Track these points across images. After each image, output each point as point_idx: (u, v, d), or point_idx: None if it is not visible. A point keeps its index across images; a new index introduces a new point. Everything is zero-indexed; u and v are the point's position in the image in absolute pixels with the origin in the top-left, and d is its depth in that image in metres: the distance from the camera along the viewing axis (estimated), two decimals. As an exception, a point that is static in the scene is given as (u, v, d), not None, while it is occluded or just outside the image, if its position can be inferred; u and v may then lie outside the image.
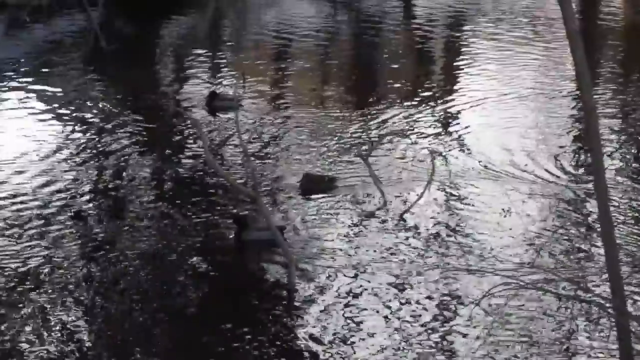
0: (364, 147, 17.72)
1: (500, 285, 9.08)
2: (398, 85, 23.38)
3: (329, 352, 11.39)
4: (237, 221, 14.48)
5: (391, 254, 13.88)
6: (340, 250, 14.05)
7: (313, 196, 15.97)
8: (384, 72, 25.45)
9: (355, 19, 32.75)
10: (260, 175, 16.21)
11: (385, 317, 12.14)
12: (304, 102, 21.68)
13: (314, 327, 11.97)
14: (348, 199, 15.87)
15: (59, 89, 22.54)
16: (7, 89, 22.49)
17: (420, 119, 20.50)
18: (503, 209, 15.37)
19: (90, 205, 15.89)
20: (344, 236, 14.57)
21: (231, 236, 14.46)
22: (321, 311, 12.30)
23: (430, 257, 13.82)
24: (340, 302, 12.51)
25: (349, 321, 12.05)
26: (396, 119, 20.45)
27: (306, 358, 11.38)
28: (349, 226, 14.89)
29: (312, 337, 11.73)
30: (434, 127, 19.94)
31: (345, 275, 13.21)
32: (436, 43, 29.21)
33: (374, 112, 21.01)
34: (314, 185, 16.15)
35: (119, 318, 12.26)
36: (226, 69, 25.36)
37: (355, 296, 12.65)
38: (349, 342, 11.58)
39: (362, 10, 33.45)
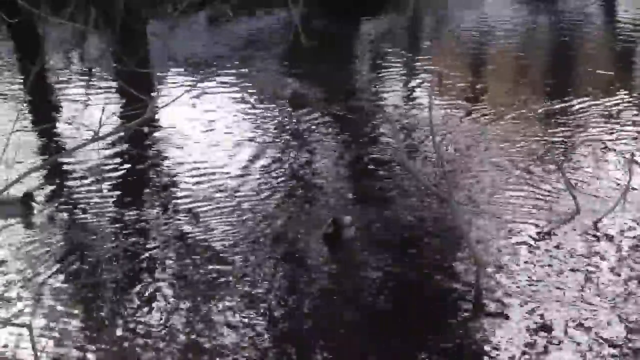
0: (558, 153, 17.43)
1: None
2: (595, 88, 22.80)
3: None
4: (335, 222, 14.20)
5: (582, 264, 13.54)
6: (528, 256, 13.78)
7: (496, 201, 15.80)
8: (582, 76, 24.90)
9: (555, 21, 32.15)
10: (452, 176, 16.14)
11: (578, 325, 11.85)
12: (498, 105, 21.43)
13: (498, 336, 11.81)
14: (537, 205, 15.62)
15: (257, 82, 23.13)
16: (207, 81, 23.21)
17: (618, 124, 19.96)
18: None
19: (272, 190, 16.37)
20: (532, 242, 14.29)
21: (322, 237, 14.20)
22: (507, 318, 12.12)
23: (624, 268, 13.43)
24: (526, 315, 12.17)
25: (537, 333, 11.83)
26: (593, 123, 19.99)
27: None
28: (538, 232, 14.61)
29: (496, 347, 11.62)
30: (633, 133, 19.38)
31: (531, 284, 12.93)
32: (638, 46, 28.36)
33: (570, 115, 20.60)
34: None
35: (303, 314, 12.43)
36: (421, 69, 25.35)
37: (542, 307, 12.31)
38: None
39: (563, 12, 32.80)
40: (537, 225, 14.83)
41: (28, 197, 15.10)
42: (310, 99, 21.28)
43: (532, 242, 14.26)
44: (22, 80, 23.82)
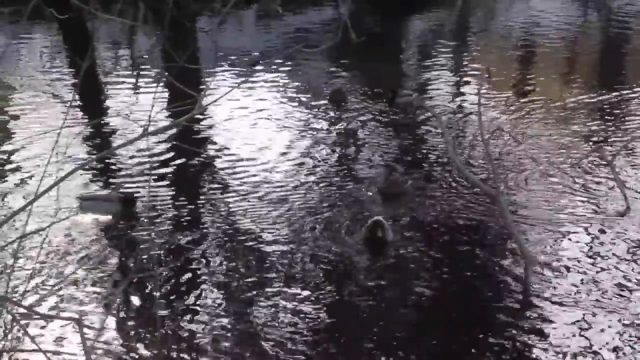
0: (608, 150, 17.25)
1: None
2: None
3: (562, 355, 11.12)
4: (375, 224, 13.96)
5: (633, 264, 13.34)
6: (577, 255, 13.58)
7: (549, 196, 15.66)
8: (633, 72, 24.63)
9: (605, 17, 31.84)
10: (501, 174, 16.04)
11: (626, 328, 11.71)
12: (548, 100, 21.28)
13: (546, 328, 11.68)
14: (587, 202, 15.44)
15: (306, 77, 23.18)
16: (256, 76, 23.29)
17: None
18: None
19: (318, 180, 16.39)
20: (581, 240, 14.10)
21: (364, 240, 14.04)
22: (556, 310, 11.99)
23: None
24: (573, 316, 11.99)
25: (584, 327, 11.70)
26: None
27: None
28: (587, 230, 14.43)
29: (541, 336, 11.49)
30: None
31: (579, 285, 12.75)
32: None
33: (621, 110, 20.40)
34: (393, 189, 15.81)
35: (348, 311, 12.40)
36: (470, 65, 25.25)
37: (590, 309, 12.12)
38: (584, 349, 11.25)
39: (613, 8, 32.48)
40: (586, 223, 14.66)
41: (128, 196, 15.22)
42: (348, 95, 21.26)
43: (581, 240, 14.09)
44: (71, 76, 24.04)
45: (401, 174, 16.53)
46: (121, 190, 15.58)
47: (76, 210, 14.90)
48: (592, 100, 21.36)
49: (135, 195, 15.39)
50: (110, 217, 14.84)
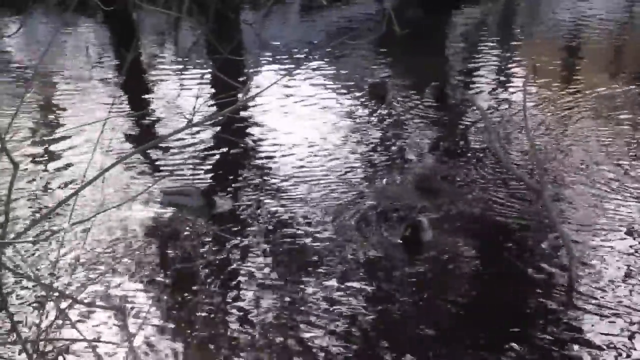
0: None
1: None
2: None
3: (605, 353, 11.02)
4: (412, 225, 13.83)
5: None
6: (620, 250, 13.40)
7: (593, 191, 15.50)
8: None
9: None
10: (545, 168, 15.92)
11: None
12: (594, 95, 21.06)
13: (589, 330, 11.56)
14: (630, 199, 15.26)
15: (349, 70, 23.14)
16: (300, 68, 23.27)
17: None
18: None
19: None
20: (627, 236, 13.93)
21: (400, 240, 13.87)
22: (599, 311, 11.88)
23: None
24: (619, 311, 11.87)
25: (627, 329, 11.57)
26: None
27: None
28: (630, 229, 14.24)
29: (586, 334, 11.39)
30: None
31: (624, 280, 12.58)
32: None
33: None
34: (428, 184, 15.76)
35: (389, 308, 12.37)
36: (515, 58, 25.07)
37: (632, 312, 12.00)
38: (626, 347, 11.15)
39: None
40: (632, 221, 14.47)
41: (208, 190, 15.26)
42: (390, 89, 21.15)
43: (626, 239, 13.89)
44: (117, 68, 24.19)
45: (438, 168, 16.46)
46: (207, 185, 15.61)
47: (160, 204, 15.02)
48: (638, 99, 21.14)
49: (215, 189, 15.43)
50: (185, 211, 14.87)
